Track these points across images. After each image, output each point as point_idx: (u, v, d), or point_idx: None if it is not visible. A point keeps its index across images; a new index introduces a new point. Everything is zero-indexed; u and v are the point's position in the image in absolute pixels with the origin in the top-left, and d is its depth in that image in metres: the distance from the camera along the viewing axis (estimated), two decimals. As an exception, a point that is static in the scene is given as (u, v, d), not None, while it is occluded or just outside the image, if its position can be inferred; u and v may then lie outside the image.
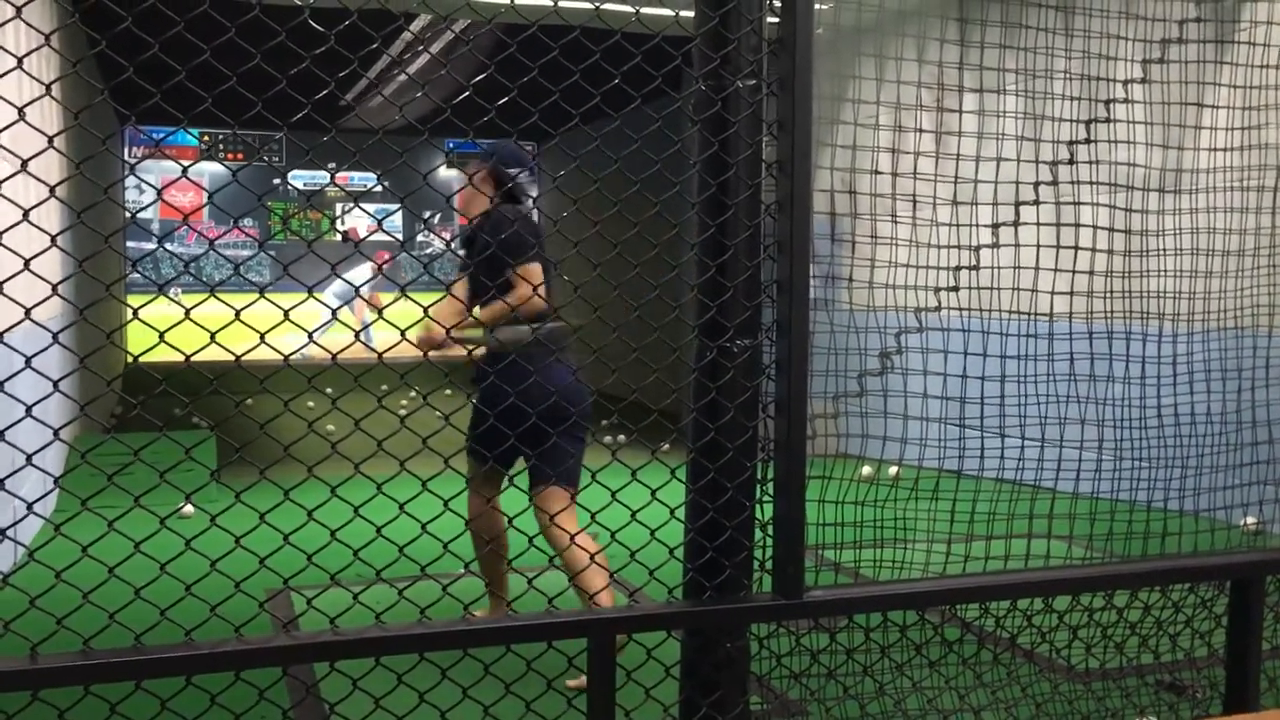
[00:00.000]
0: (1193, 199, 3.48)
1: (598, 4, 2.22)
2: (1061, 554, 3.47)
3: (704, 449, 2.44)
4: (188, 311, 1.94)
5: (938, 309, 3.04)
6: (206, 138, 15.66)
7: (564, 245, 2.39)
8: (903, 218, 3.14)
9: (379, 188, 2.18)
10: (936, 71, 3.19)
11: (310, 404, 2.24)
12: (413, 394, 2.64)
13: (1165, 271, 3.48)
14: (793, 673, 2.77)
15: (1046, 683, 3.19)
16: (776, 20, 2.41)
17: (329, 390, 2.23)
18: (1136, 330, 3.53)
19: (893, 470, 3.11)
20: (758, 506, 2.46)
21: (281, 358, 2.13)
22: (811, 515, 2.59)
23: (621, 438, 7.94)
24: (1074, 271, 3.14)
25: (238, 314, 1.95)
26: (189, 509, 4.38)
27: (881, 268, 3.14)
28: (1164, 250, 3.47)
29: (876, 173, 3.12)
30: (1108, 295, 3.33)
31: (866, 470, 3.04)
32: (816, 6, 2.39)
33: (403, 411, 2.35)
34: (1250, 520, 3.99)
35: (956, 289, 3.02)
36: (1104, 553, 3.55)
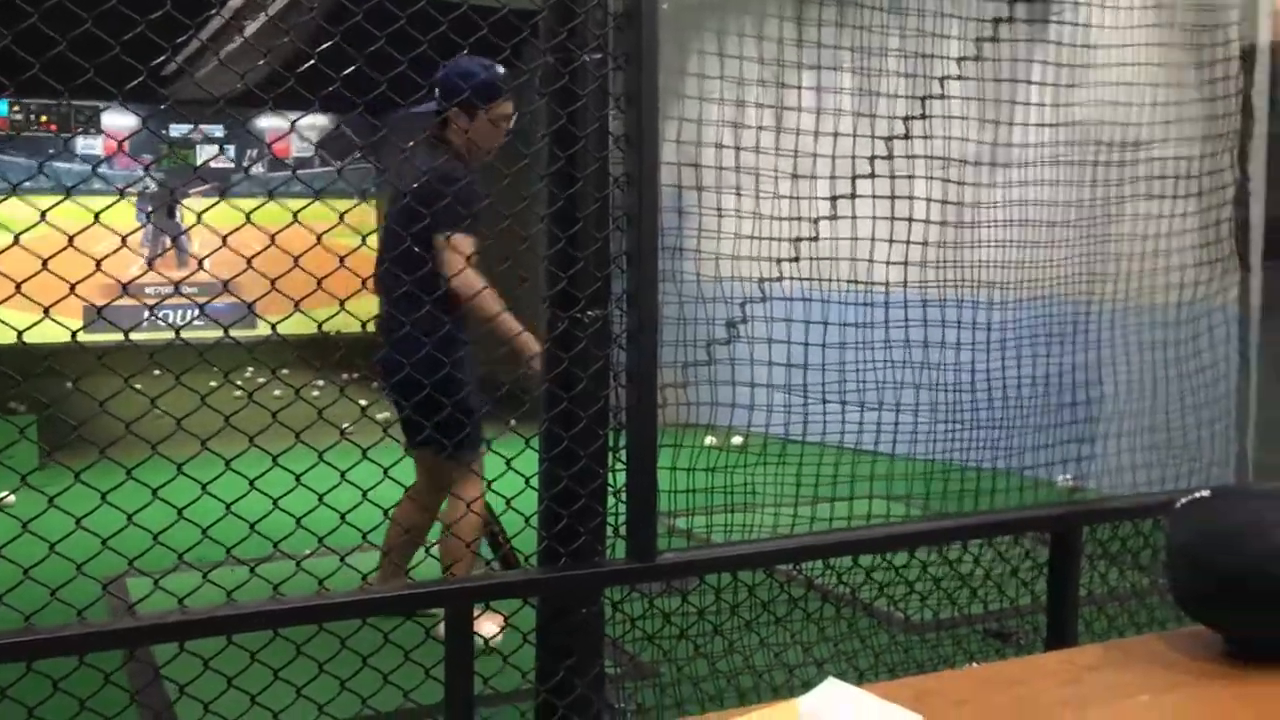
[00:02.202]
0: (1008, 174, 3.67)
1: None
2: (898, 514, 3.64)
3: (557, 418, 2.47)
4: (43, 214, 1.90)
5: (779, 279, 3.14)
6: (17, 108, 14.76)
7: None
8: (745, 191, 3.23)
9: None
10: (775, 47, 3.28)
11: (155, 373, 2.17)
12: (255, 371, 2.59)
13: (990, 243, 3.67)
14: (646, 635, 2.84)
15: (885, 634, 3.35)
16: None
17: (173, 369, 2.17)
18: (964, 299, 3.71)
19: (737, 439, 3.21)
20: (610, 474, 2.51)
21: (122, 334, 2.06)
22: (662, 483, 2.66)
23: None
24: (907, 243, 3.29)
25: (96, 216, 1.90)
26: (10, 498, 4.21)
27: (726, 239, 3.22)
28: (988, 223, 3.66)
29: (719, 146, 3.19)
30: (938, 265, 3.50)
31: (710, 440, 3.13)
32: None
33: (250, 389, 2.30)
34: (1068, 477, 4.25)
35: (796, 260, 3.13)
36: (936, 512, 3.74)
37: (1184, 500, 1.72)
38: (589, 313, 2.48)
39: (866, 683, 1.48)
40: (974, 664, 3.38)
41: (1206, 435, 3.87)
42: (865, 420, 3.43)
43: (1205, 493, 1.71)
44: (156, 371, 2.09)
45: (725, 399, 3.27)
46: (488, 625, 3.60)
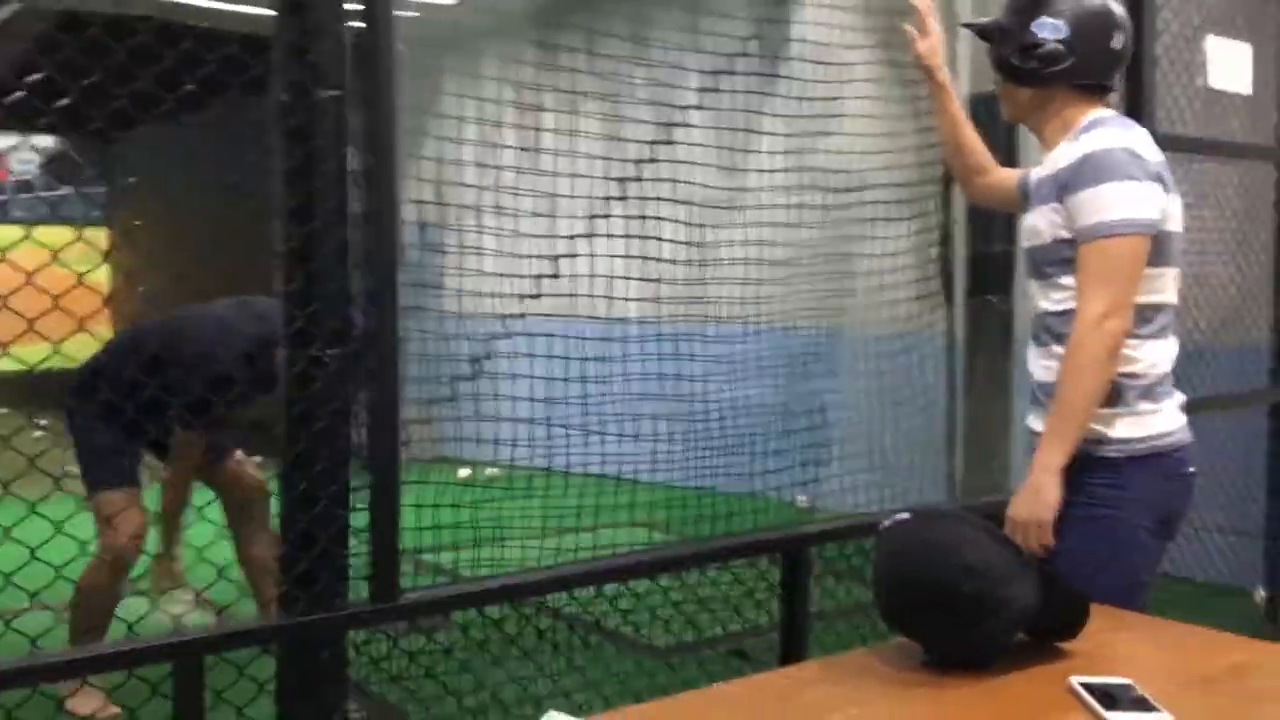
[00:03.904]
0: (743, 214, 3.87)
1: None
2: (644, 540, 3.75)
3: (296, 459, 2.42)
4: None
5: (522, 316, 3.20)
6: None
7: (139, 252, 2.28)
8: (488, 229, 3.27)
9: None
10: (519, 89, 3.35)
11: None
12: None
13: (725, 279, 3.85)
14: (392, 675, 2.81)
15: (630, 661, 3.44)
16: (359, 27, 2.42)
17: None
18: (703, 331, 3.88)
19: (490, 471, 3.23)
20: (353, 514, 2.47)
21: None
22: (410, 520, 2.65)
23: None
24: (643, 280, 3.41)
25: None
26: None
27: (470, 276, 3.25)
28: (725, 260, 3.84)
29: (462, 186, 3.22)
30: (673, 301, 3.64)
31: (464, 472, 3.14)
32: (397, 14, 2.43)
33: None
34: (803, 498, 4.48)
35: (539, 296, 3.19)
36: (679, 537, 3.88)
37: (886, 522, 1.87)
38: (328, 351, 2.45)
39: (611, 709, 1.54)
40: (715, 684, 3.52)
41: (920, 457, 4.19)
42: (610, 450, 3.51)
43: (905, 515, 1.86)
44: None
45: (475, 433, 3.28)
46: (85, 701, 3.13)
